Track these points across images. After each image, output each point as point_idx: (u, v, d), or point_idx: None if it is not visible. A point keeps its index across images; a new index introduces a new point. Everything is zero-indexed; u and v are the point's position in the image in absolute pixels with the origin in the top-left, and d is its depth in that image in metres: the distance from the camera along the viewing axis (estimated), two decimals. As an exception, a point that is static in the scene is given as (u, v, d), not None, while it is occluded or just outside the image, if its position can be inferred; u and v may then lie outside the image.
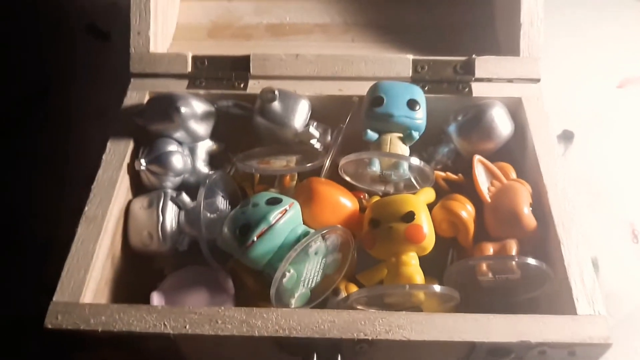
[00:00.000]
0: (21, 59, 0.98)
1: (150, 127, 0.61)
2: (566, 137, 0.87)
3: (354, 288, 0.57)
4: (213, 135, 0.65)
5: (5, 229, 0.80)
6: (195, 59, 0.67)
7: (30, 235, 0.79)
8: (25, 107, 0.93)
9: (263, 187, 0.63)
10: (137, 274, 0.59)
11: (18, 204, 0.82)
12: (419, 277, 0.52)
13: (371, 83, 0.63)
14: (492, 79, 0.66)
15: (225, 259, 0.57)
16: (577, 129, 0.89)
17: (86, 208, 0.56)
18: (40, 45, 0.98)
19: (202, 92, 0.66)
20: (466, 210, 0.56)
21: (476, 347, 0.47)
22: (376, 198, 0.60)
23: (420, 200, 0.55)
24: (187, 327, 0.47)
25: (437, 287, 0.50)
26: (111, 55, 0.96)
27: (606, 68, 0.97)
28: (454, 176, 0.61)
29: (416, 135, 0.60)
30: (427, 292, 0.51)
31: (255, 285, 0.56)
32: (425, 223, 0.53)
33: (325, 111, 0.65)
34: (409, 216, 0.53)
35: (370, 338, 0.47)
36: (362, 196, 0.61)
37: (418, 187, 0.60)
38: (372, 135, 0.60)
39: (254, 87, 0.66)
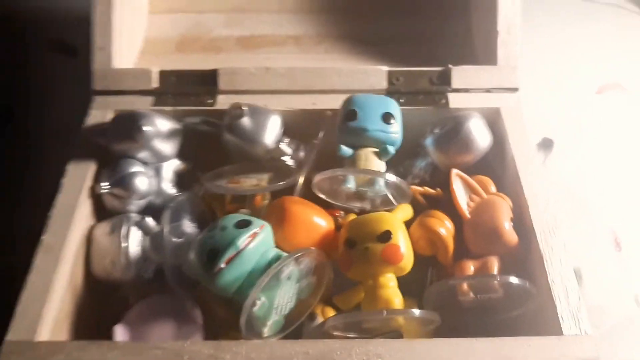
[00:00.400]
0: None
1: (113, 147, 0.58)
2: (545, 145, 0.86)
3: (331, 312, 0.54)
4: (180, 154, 0.62)
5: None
6: (161, 74, 0.65)
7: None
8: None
9: (235, 206, 0.60)
10: (100, 304, 0.56)
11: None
12: (397, 300, 0.50)
13: (345, 96, 0.61)
14: (470, 90, 0.64)
15: (193, 286, 0.54)
16: (557, 136, 0.88)
17: (43, 237, 0.52)
18: (5, 62, 0.95)
19: (168, 108, 0.63)
20: (445, 227, 0.54)
21: (459, 374, 0.45)
22: (352, 216, 0.57)
23: (397, 219, 0.53)
24: (150, 363, 0.44)
25: (416, 312, 0.47)
26: (78, 72, 0.93)
27: (584, 74, 0.96)
28: (431, 191, 0.59)
29: (392, 149, 0.57)
30: (406, 316, 0.48)
31: (226, 314, 0.53)
32: (402, 242, 0.51)
33: (298, 126, 0.62)
34: (386, 236, 0.50)
35: (347, 369, 0.44)
36: (337, 214, 0.59)
37: (395, 203, 0.58)
38: (347, 150, 0.58)
39: (223, 102, 0.64)
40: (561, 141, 0.88)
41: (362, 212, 0.58)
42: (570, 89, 0.94)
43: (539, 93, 0.89)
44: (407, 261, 0.51)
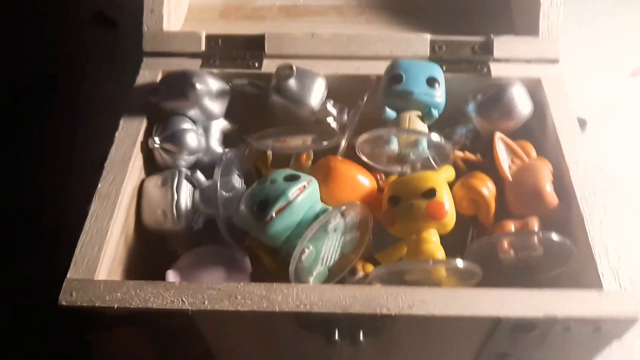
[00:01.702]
0: (29, 48, 0.97)
1: (165, 104, 0.60)
2: (579, 124, 0.86)
3: (371, 268, 0.56)
4: (227, 115, 0.64)
5: (14, 217, 0.79)
6: (209, 37, 0.66)
7: (39, 223, 0.78)
8: (33, 96, 0.93)
9: (274, 169, 0.62)
10: (150, 253, 0.58)
11: (26, 193, 0.82)
12: (440, 254, 0.51)
13: (388, 62, 0.62)
14: (511, 60, 0.65)
15: (240, 238, 0.56)
16: (590, 116, 0.89)
17: (99, 185, 0.55)
18: (48, 34, 0.98)
19: (216, 71, 0.65)
20: (487, 188, 0.55)
21: (501, 322, 0.46)
22: (393, 178, 0.59)
23: (441, 177, 0.54)
24: (205, 303, 0.46)
25: (460, 263, 0.49)
26: (119, 43, 0.96)
27: (619, 56, 0.96)
28: (472, 156, 0.60)
29: (435, 113, 0.59)
30: (449, 268, 0.50)
31: (272, 263, 0.55)
32: (446, 200, 0.52)
33: (342, 91, 0.64)
34: (431, 193, 0.52)
35: (393, 313, 0.46)
36: (378, 176, 0.60)
37: (436, 167, 0.59)
38: (391, 113, 0.59)
39: (269, 66, 0.65)
40: (594, 121, 0.88)
41: (402, 175, 0.60)
42: (604, 70, 0.95)
43: (572, 73, 0.90)
44: (450, 218, 0.52)
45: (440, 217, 0.51)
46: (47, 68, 0.96)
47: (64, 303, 0.47)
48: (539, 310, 0.46)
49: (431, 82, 0.59)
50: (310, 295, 0.46)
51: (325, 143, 0.59)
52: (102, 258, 0.50)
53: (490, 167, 0.59)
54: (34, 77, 0.95)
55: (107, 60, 0.95)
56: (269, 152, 0.63)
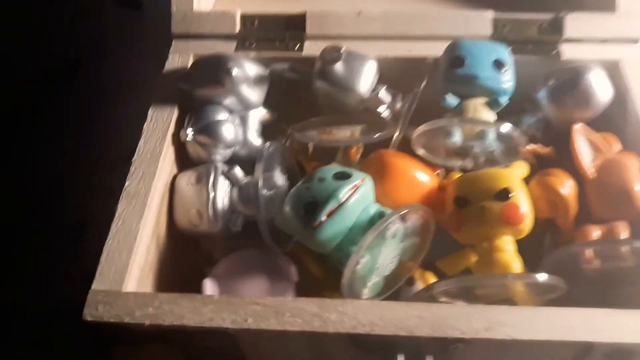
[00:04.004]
0: (52, 32, 0.94)
1: (197, 92, 0.54)
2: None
3: (430, 277, 0.50)
4: (265, 104, 0.58)
5: (35, 210, 0.75)
6: (244, 17, 0.60)
7: (62, 217, 0.74)
8: (56, 82, 0.89)
9: (317, 164, 0.55)
10: (184, 258, 0.53)
11: (48, 184, 0.77)
12: (516, 265, 0.45)
13: (445, 44, 0.56)
14: (583, 40, 0.58)
15: (282, 241, 0.50)
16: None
17: (127, 183, 0.49)
18: (71, 18, 0.94)
19: (252, 54, 0.59)
20: (567, 187, 0.48)
21: (593, 348, 0.40)
22: (457, 174, 0.52)
23: (515, 176, 0.47)
24: (248, 320, 0.40)
25: (544, 277, 0.42)
26: (143, 25, 0.91)
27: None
28: (543, 149, 0.53)
29: (504, 100, 0.52)
30: (528, 282, 0.43)
31: (319, 271, 0.49)
32: (523, 202, 0.45)
33: (393, 75, 0.57)
34: (504, 194, 0.45)
35: (467, 337, 0.39)
36: (437, 172, 0.54)
37: (501, 162, 0.52)
38: (452, 101, 0.52)
39: (311, 48, 0.59)
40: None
41: (463, 170, 0.53)
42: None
43: None
44: (527, 223, 0.46)
45: (515, 223, 0.45)
46: (70, 52, 0.92)
47: (89, 318, 0.42)
48: (638, 335, 0.39)
49: (498, 64, 0.52)
50: (369, 314, 0.40)
51: (377, 135, 0.52)
52: (130, 266, 0.45)
53: (565, 162, 0.52)
54: (56, 61, 0.91)
55: (132, 43, 0.90)
56: (310, 145, 0.56)
